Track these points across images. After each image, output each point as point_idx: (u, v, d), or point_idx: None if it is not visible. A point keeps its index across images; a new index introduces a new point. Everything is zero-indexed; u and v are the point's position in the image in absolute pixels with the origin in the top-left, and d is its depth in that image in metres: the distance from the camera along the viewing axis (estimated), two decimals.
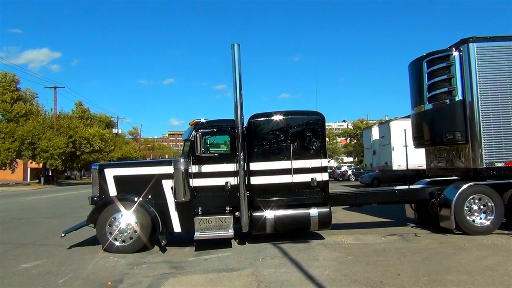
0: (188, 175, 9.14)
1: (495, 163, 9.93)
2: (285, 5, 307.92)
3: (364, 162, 37.35)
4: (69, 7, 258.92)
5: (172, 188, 9.20)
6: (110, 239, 8.82)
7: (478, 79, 9.96)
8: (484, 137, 9.90)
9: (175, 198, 9.12)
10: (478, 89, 9.94)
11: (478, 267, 6.93)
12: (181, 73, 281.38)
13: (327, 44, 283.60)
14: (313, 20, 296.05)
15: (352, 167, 49.85)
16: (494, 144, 9.93)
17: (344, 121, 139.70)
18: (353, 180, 42.66)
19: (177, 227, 9.28)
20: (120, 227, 8.87)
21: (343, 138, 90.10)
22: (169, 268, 7.52)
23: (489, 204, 9.86)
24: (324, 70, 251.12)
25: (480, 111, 9.93)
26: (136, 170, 9.95)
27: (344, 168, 49.08)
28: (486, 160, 9.91)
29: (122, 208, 8.96)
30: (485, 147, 9.90)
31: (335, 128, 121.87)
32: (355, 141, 77.63)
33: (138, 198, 9.09)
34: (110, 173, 9.47)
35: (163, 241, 8.89)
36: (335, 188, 24.66)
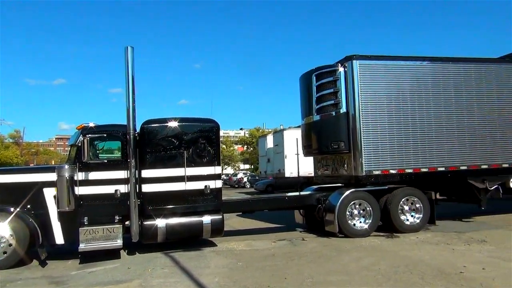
0: (73, 183, 8.59)
1: (373, 171, 10.87)
2: (189, 10, 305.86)
3: (259, 170, 38.30)
4: None
5: (55, 196, 8.56)
6: None
7: (359, 94, 10.84)
8: (364, 147, 10.77)
9: (58, 208, 8.51)
10: (360, 103, 10.82)
11: (356, 268, 7.49)
12: (73, 74, 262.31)
13: (229, 53, 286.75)
14: (217, 29, 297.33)
15: (248, 174, 50.71)
16: (373, 154, 10.86)
17: (241, 129, 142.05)
18: (248, 187, 43.44)
19: (59, 239, 8.65)
20: None
21: (240, 146, 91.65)
22: (48, 284, 6.97)
23: (368, 208, 10.72)
24: (225, 78, 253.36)
25: (361, 123, 10.80)
26: (14, 178, 9.06)
27: (240, 175, 49.72)
28: (365, 168, 10.79)
29: None
30: (364, 156, 10.77)
31: (233, 136, 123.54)
32: (251, 148, 79.42)
33: (16, 209, 8.29)
34: None
35: (43, 255, 8.25)
36: (231, 195, 25.00)
